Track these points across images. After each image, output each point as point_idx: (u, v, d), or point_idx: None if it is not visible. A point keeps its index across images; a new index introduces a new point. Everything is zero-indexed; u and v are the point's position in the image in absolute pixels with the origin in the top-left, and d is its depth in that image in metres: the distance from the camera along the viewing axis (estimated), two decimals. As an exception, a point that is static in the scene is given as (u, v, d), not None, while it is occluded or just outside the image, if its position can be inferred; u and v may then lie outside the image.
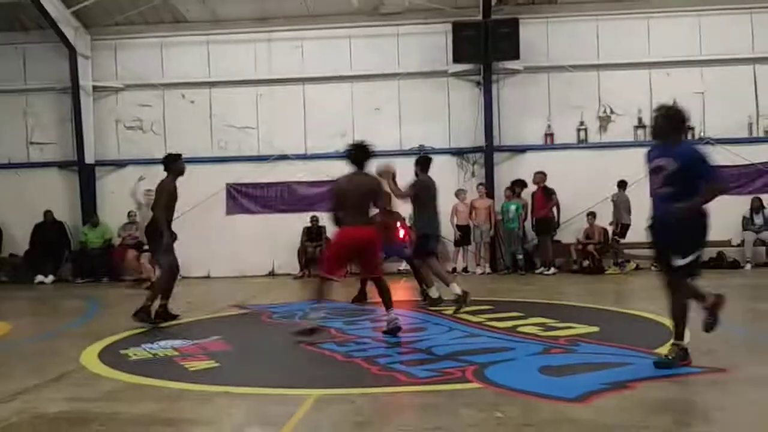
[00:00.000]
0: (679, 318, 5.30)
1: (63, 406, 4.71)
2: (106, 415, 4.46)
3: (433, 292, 8.87)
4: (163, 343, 6.76)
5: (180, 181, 8.07)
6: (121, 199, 13.59)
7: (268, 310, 9.05)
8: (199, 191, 13.93)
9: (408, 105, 14.40)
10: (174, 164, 8.21)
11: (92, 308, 10.11)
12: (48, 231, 14.35)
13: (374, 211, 7.14)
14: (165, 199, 7.97)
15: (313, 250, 13.88)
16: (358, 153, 7.13)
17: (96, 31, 14.58)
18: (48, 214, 14.33)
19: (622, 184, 13.17)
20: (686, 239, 5.19)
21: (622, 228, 13.17)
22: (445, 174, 14.11)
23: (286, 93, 14.56)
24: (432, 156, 9.64)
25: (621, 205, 13.13)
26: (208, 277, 14.24)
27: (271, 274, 14.23)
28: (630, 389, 4.69)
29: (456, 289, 8.32)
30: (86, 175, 14.42)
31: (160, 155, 14.08)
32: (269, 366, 6.04)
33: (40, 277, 13.94)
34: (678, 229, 5.15)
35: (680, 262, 5.15)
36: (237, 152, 14.52)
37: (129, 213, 13.61)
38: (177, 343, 6.68)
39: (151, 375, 5.50)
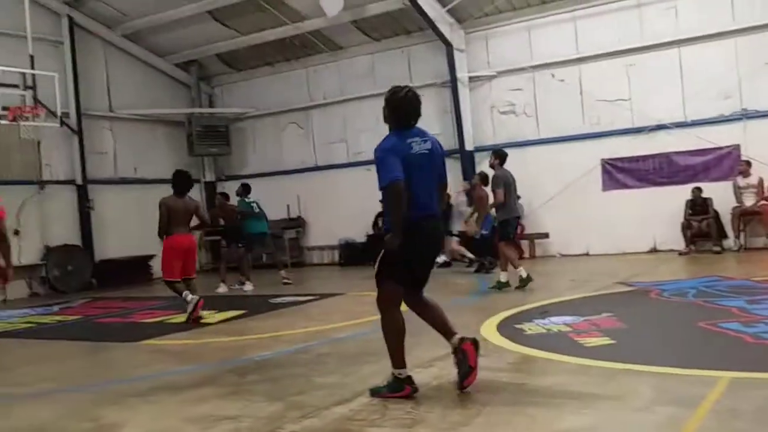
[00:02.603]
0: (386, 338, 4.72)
1: (474, 374, 5.12)
2: (514, 385, 4.75)
3: (522, 272, 9.49)
4: (555, 318, 6.96)
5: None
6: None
7: (656, 288, 8.69)
8: (574, 169, 13.97)
9: (808, 54, 12.52)
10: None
11: (481, 285, 10.80)
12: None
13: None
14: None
15: (699, 224, 12.96)
16: (182, 182, 9.06)
17: (468, 25, 15.44)
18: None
19: None
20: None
21: None
22: None
23: (659, 59, 13.71)
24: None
25: None
26: (587, 254, 14.19)
27: (653, 250, 13.63)
28: None
29: (522, 272, 9.42)
30: (466, 161, 15.42)
31: (533, 137, 14.73)
32: (668, 344, 5.83)
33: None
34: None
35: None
36: (610, 126, 14.14)
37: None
38: (569, 319, 6.81)
39: (549, 349, 5.70)
